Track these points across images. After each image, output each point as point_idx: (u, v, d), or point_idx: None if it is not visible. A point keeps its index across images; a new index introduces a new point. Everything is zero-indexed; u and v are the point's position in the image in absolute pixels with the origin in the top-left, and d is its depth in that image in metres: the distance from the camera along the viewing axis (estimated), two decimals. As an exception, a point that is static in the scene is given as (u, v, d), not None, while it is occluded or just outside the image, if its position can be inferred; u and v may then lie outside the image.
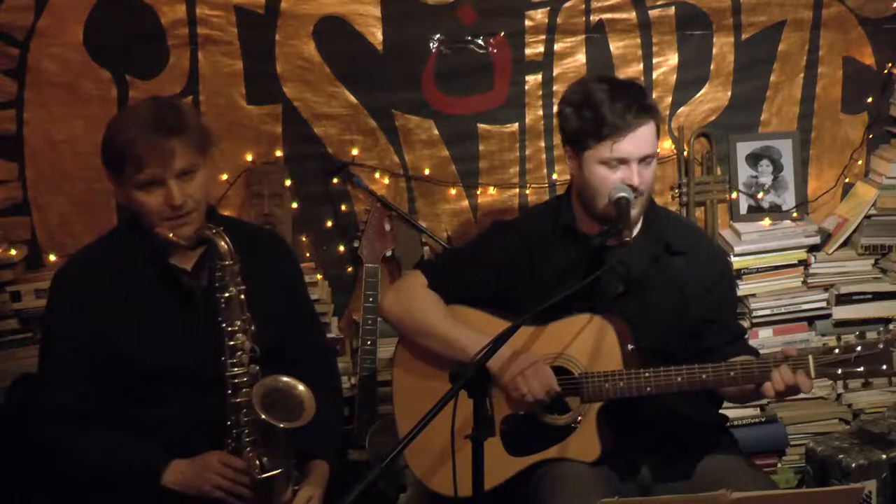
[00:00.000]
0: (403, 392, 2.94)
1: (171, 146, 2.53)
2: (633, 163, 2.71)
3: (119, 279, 2.64)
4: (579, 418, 2.75)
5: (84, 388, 2.62)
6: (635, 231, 2.85)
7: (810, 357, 2.60)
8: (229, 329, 2.54)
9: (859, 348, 2.57)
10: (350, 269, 3.79)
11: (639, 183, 2.71)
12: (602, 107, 2.70)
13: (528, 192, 3.82)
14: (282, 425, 2.50)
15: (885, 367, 2.56)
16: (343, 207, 3.77)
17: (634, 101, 2.70)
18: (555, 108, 3.76)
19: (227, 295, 2.55)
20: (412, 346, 2.91)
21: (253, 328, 2.57)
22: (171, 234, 2.57)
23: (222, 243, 2.54)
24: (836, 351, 2.59)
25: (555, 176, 3.82)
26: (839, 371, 2.59)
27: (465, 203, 3.81)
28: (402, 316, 2.90)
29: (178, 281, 2.65)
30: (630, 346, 2.74)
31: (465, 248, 3.05)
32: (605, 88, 2.73)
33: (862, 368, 2.57)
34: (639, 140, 2.70)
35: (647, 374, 2.68)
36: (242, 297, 2.56)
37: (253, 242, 2.75)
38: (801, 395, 3.71)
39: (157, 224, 2.57)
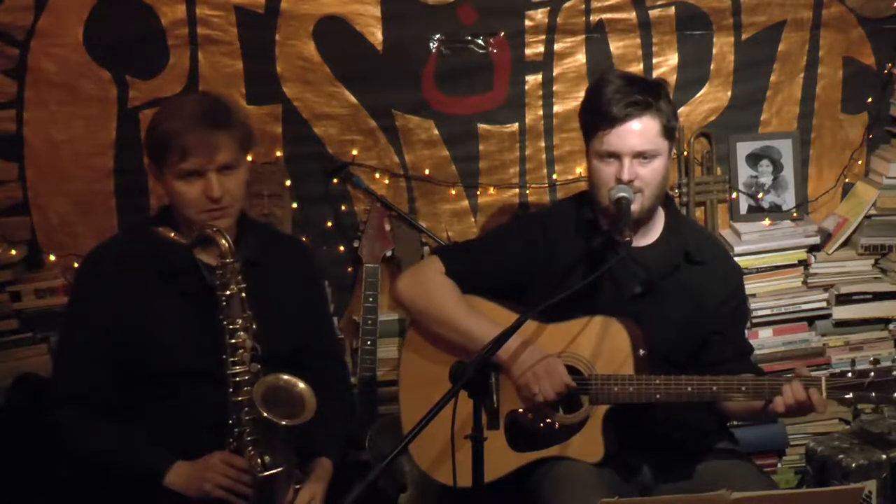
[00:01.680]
0: (411, 378, 2.93)
1: (216, 139, 2.56)
2: (624, 158, 2.69)
3: (144, 270, 2.66)
4: (582, 419, 2.75)
5: (100, 376, 2.64)
6: (656, 235, 2.84)
7: (823, 379, 2.59)
8: (230, 327, 2.55)
9: (872, 374, 2.56)
10: (350, 269, 3.79)
11: (629, 178, 2.69)
12: (600, 99, 2.71)
13: (528, 192, 3.82)
14: (283, 422, 2.50)
15: None
16: (343, 207, 3.77)
17: (628, 95, 2.68)
18: (555, 109, 3.78)
19: (227, 293, 2.56)
20: (424, 332, 2.91)
21: (254, 326, 2.57)
22: (172, 234, 2.58)
23: (223, 241, 2.55)
24: (849, 375, 2.58)
25: (555, 176, 3.82)
26: (850, 395, 2.57)
27: (465, 203, 3.81)
28: (418, 301, 2.89)
29: (202, 276, 2.66)
30: (642, 352, 2.73)
31: (485, 238, 3.04)
32: (616, 82, 2.72)
33: (874, 395, 2.56)
34: (628, 134, 2.68)
35: (657, 382, 2.67)
36: (244, 295, 2.57)
37: (279, 248, 2.78)
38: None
39: (193, 216, 2.59)
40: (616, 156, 2.70)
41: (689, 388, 2.65)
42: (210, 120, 2.57)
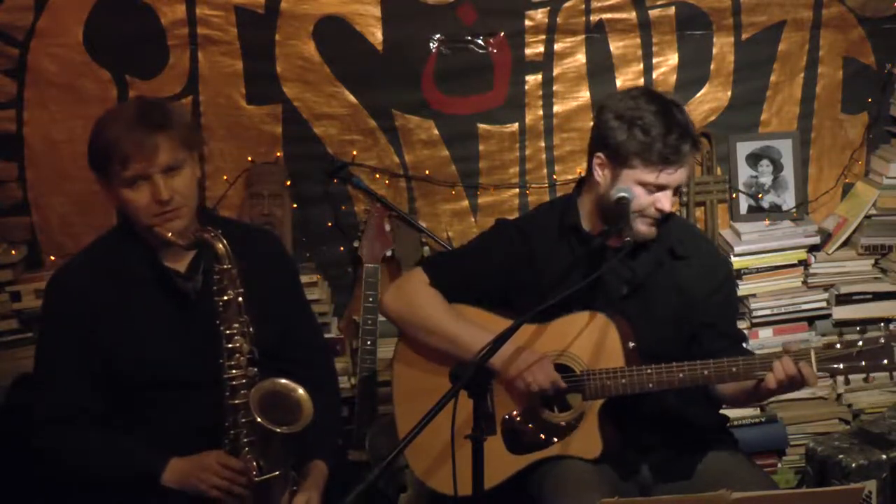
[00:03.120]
0: (404, 390, 2.94)
1: (154, 141, 2.52)
2: (669, 190, 2.73)
3: (113, 283, 2.63)
4: (578, 416, 2.75)
5: (80, 393, 2.61)
6: None
7: (812, 352, 2.60)
8: (227, 332, 2.53)
9: (860, 343, 2.57)
10: (350, 269, 3.79)
11: (670, 209, 2.74)
12: (654, 131, 2.68)
13: (528, 192, 3.82)
14: (278, 430, 2.49)
15: (886, 361, 2.56)
16: (343, 207, 3.77)
17: (688, 136, 2.71)
18: (555, 109, 3.77)
19: (225, 298, 2.53)
20: (414, 344, 2.91)
21: (251, 330, 2.56)
22: (169, 234, 2.55)
23: (220, 246, 2.53)
24: (838, 346, 2.59)
25: (554, 176, 3.82)
26: (841, 366, 2.59)
27: (465, 203, 3.81)
28: (404, 313, 2.89)
29: (172, 283, 2.64)
30: (632, 344, 2.74)
31: (468, 247, 3.05)
32: (657, 111, 2.70)
33: (863, 363, 2.57)
34: (683, 172, 2.73)
35: (648, 371, 2.68)
36: (241, 300, 2.54)
37: (247, 242, 2.73)
38: (801, 395, 3.75)
39: (146, 222, 2.56)
40: (664, 188, 2.72)
41: (681, 375, 2.67)
42: (146, 122, 2.53)
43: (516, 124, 3.79)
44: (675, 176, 2.71)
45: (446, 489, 2.61)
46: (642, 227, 2.74)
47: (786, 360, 2.60)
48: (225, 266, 2.53)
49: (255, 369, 2.56)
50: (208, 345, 2.55)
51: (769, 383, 2.62)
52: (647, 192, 2.72)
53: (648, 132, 2.69)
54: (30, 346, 3.50)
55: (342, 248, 3.78)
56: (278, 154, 3.70)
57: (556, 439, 2.77)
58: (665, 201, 2.73)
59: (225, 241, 2.53)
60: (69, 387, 2.61)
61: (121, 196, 2.57)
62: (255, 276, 2.62)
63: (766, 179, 3.88)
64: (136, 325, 2.62)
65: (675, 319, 2.81)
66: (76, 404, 2.61)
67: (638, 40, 3.78)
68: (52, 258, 3.64)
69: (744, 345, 2.92)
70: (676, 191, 2.76)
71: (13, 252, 3.59)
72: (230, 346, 2.53)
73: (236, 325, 2.54)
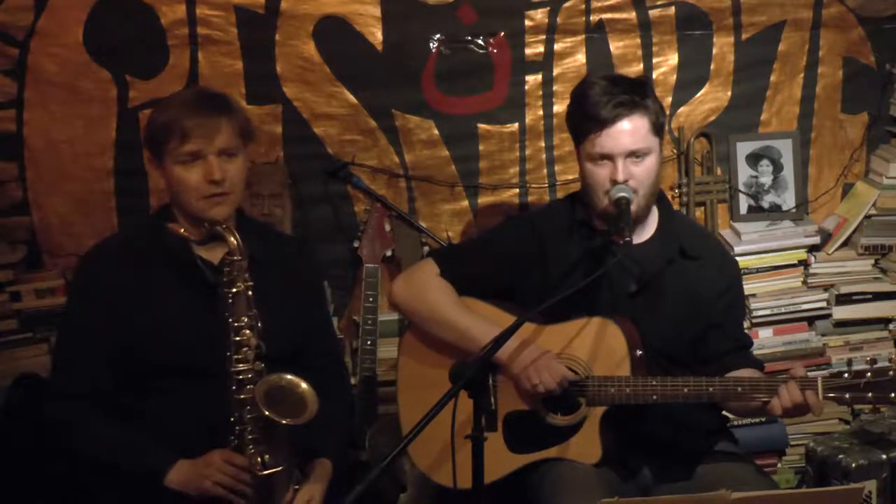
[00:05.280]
0: (409, 381, 2.93)
1: (216, 122, 2.59)
2: (617, 159, 2.70)
3: (144, 267, 2.66)
4: (580, 421, 2.75)
5: (99, 373, 2.64)
6: (651, 232, 2.84)
7: (819, 379, 2.58)
8: (235, 325, 2.56)
9: (869, 374, 2.55)
10: (350, 269, 3.79)
11: (624, 178, 2.69)
12: (587, 102, 2.71)
13: (528, 192, 3.82)
14: (284, 422, 2.50)
15: (893, 394, 2.54)
16: (343, 207, 3.77)
17: (615, 96, 2.68)
18: (555, 108, 3.78)
19: (234, 290, 2.56)
20: (421, 335, 2.91)
21: (259, 325, 2.57)
22: (181, 230, 2.58)
23: (232, 238, 2.56)
24: (846, 375, 2.57)
25: (555, 176, 3.82)
26: (847, 395, 2.56)
27: (465, 203, 3.81)
28: (413, 303, 2.89)
29: (202, 274, 2.66)
30: (639, 352, 2.72)
31: (480, 240, 3.05)
32: (601, 84, 2.73)
33: (871, 394, 2.55)
34: (618, 134, 2.69)
35: (653, 384, 2.67)
36: (250, 293, 2.57)
37: (279, 247, 2.78)
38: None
39: (194, 204, 2.60)
40: (609, 157, 2.71)
41: (686, 390, 2.65)
42: (209, 104, 2.62)
43: (516, 124, 3.79)
44: (606, 140, 2.68)
45: (450, 483, 2.61)
46: (612, 207, 2.72)
47: (791, 387, 2.58)
48: (235, 258, 2.55)
49: (262, 363, 2.57)
50: (226, 337, 2.56)
51: (774, 408, 2.60)
52: (597, 166, 2.72)
53: (582, 104, 2.71)
54: (30, 347, 3.52)
55: (342, 248, 3.77)
56: (279, 154, 3.70)
57: (555, 441, 2.76)
58: (616, 172, 2.69)
59: (237, 234, 2.57)
60: (88, 363, 2.64)
61: (172, 174, 2.61)
62: (280, 281, 2.67)
63: (766, 179, 3.88)
64: (160, 311, 2.64)
65: (683, 318, 2.80)
66: (93, 382, 2.63)
67: (638, 40, 3.78)
68: (52, 258, 3.64)
69: (750, 350, 2.92)
70: (635, 159, 2.70)
71: (13, 252, 3.59)
72: (238, 339, 2.56)
73: (244, 319, 2.56)
